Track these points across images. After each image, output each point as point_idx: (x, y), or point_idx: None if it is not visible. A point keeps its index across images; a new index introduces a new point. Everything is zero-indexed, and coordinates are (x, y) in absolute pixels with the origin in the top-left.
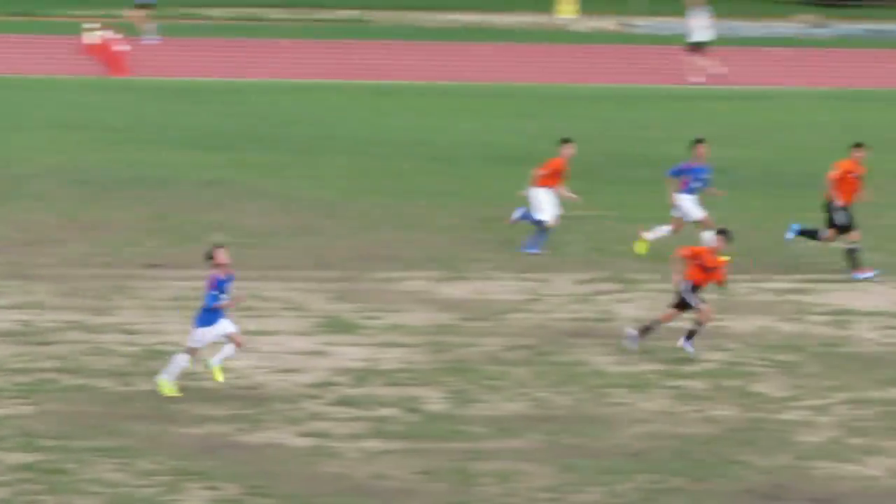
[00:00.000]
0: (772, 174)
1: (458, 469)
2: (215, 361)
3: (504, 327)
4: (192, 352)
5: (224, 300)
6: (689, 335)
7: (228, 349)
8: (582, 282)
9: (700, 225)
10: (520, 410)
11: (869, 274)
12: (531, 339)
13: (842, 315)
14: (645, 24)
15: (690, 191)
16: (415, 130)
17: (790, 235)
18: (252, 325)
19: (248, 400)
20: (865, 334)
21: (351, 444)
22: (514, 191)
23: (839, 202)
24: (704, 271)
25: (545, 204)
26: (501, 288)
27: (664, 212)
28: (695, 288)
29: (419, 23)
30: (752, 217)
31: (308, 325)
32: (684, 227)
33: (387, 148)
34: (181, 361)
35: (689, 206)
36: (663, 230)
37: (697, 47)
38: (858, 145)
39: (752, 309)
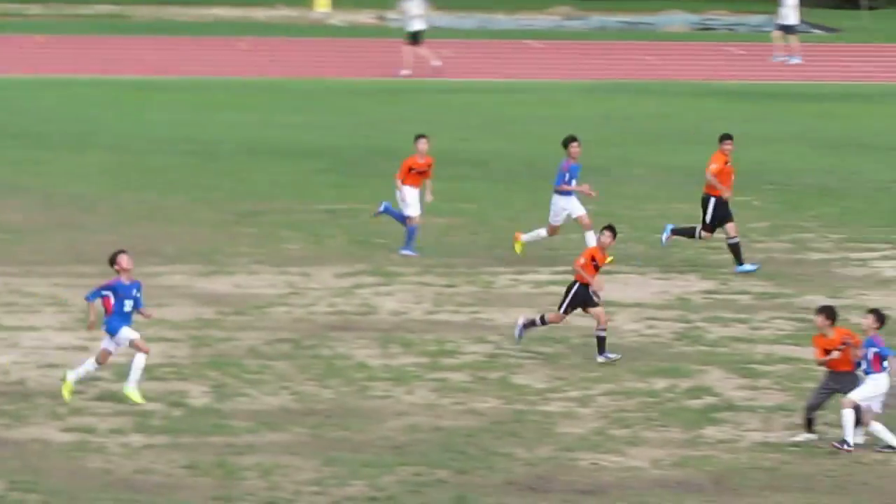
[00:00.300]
0: (531, 166)
1: (221, 463)
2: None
3: (265, 321)
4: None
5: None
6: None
7: (90, 363)
8: (343, 275)
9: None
10: (282, 404)
11: (751, 267)
12: (292, 333)
13: (605, 307)
14: (399, 17)
15: (569, 191)
16: (175, 126)
17: (665, 235)
18: (14, 320)
19: (10, 396)
20: (626, 325)
21: (114, 439)
22: (273, 185)
23: (725, 196)
24: (598, 270)
25: (410, 200)
26: (262, 282)
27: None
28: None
29: (179, 17)
30: (513, 209)
31: (70, 320)
32: (558, 231)
33: (147, 143)
34: (90, 366)
35: (573, 203)
36: (541, 233)
37: (414, 38)
38: (727, 136)
39: (512, 301)
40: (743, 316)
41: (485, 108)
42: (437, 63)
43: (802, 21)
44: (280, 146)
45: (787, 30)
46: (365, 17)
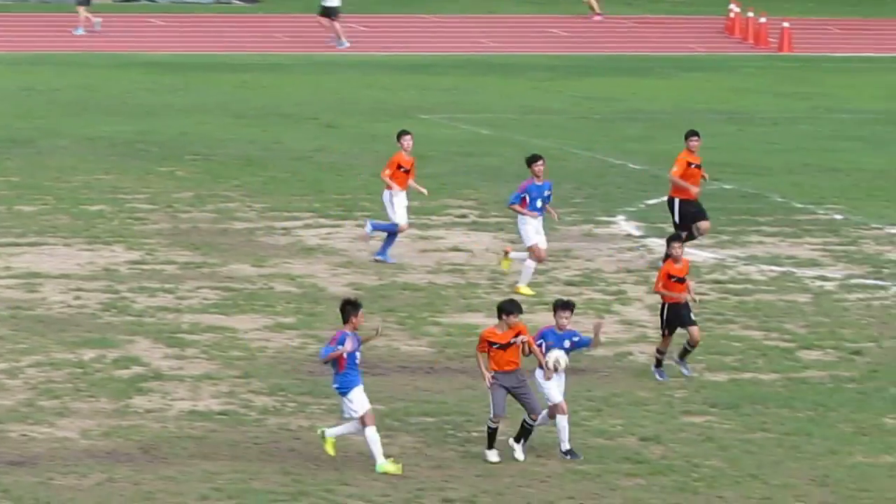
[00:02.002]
0: None
1: None
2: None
3: None
4: None
5: None
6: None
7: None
8: None
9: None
10: None
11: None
12: None
13: (30, 278)
14: None
15: (535, 210)
16: None
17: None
18: None
19: None
20: (54, 297)
21: None
22: None
23: (694, 193)
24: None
25: (398, 207)
26: None
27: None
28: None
29: None
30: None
31: None
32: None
33: None
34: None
35: (529, 230)
36: (523, 257)
37: None
38: (694, 133)
39: None
40: (169, 286)
41: None
42: None
43: None
44: None
45: (329, 12)
46: None
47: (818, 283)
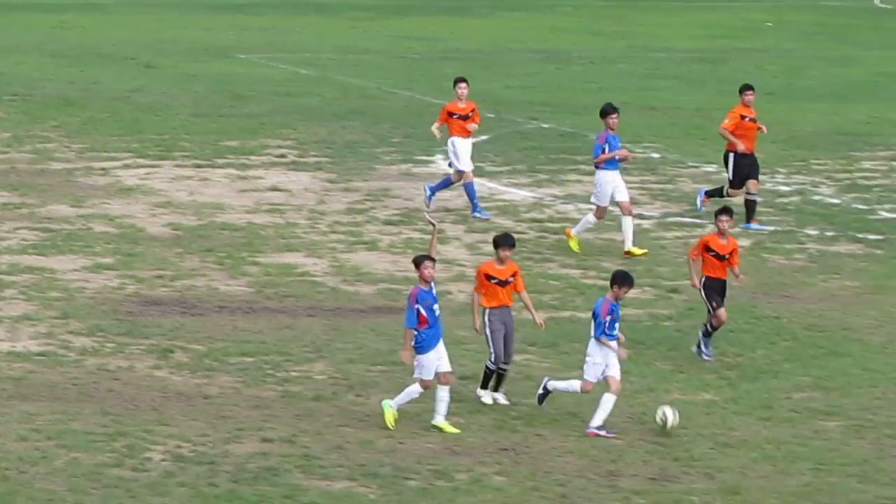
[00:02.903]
0: None
1: None
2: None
3: None
4: None
5: None
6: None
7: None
8: None
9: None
10: None
11: (759, 227)
12: None
13: None
14: None
15: (613, 166)
16: None
17: (700, 199)
18: None
19: None
20: None
21: None
22: None
23: (740, 149)
24: (721, 260)
25: (461, 152)
26: None
27: None
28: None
29: None
30: None
31: None
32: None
33: None
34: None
35: (607, 189)
36: (588, 221)
37: None
38: (748, 87)
39: None
40: None
41: None
42: None
43: None
44: None
45: None
46: None
47: (635, 221)
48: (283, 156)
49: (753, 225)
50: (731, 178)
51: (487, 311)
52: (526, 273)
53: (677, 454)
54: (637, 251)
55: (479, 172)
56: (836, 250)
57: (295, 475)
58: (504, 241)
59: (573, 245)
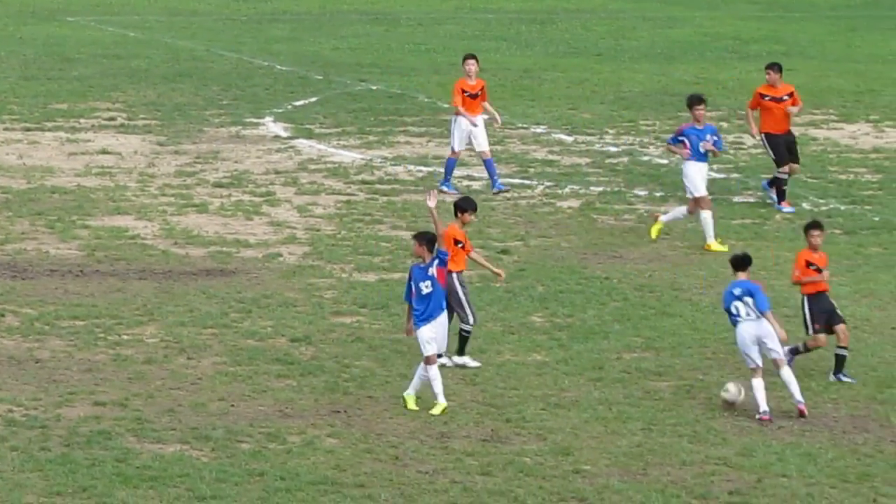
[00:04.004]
0: None
1: None
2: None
3: None
4: None
5: None
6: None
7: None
8: None
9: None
10: None
11: (790, 209)
12: None
13: None
14: None
15: (699, 158)
16: None
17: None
18: None
19: None
20: None
21: None
22: None
23: (753, 135)
24: (818, 272)
25: (457, 131)
26: None
27: None
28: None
29: None
30: None
31: None
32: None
33: None
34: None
35: (697, 179)
36: (679, 212)
37: None
38: (770, 66)
39: None
40: None
41: None
42: None
43: None
44: None
45: None
46: None
47: (465, 182)
48: (112, 119)
49: (785, 207)
50: (773, 157)
51: (455, 274)
52: (356, 235)
53: (509, 415)
54: (716, 246)
55: (308, 134)
56: (665, 210)
57: (127, 439)
58: (474, 206)
59: (653, 230)
